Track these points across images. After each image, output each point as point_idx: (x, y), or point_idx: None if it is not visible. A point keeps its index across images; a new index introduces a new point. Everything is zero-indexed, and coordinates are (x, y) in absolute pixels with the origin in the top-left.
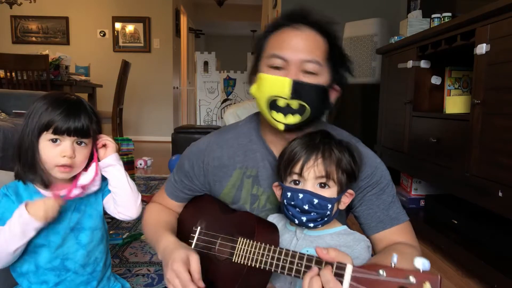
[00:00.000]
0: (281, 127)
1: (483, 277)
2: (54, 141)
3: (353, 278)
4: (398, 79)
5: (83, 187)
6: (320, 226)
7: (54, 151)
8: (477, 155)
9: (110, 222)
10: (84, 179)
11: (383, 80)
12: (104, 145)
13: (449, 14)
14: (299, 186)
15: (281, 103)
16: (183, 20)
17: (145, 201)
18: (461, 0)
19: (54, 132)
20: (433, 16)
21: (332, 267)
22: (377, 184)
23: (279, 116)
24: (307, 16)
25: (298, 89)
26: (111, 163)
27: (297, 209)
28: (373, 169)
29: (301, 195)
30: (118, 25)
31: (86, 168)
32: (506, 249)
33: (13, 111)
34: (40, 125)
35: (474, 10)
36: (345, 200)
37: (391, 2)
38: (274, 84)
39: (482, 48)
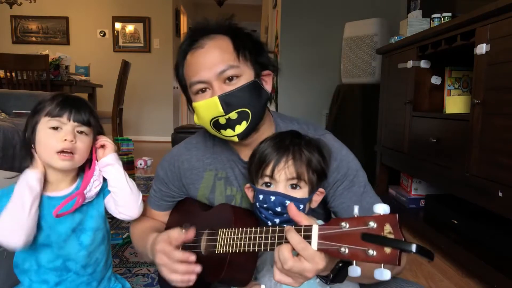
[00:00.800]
0: (236, 139)
1: (483, 277)
2: (55, 128)
3: (320, 236)
4: (398, 79)
5: (82, 194)
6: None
7: (54, 137)
8: (477, 155)
9: (110, 222)
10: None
11: (383, 80)
12: (103, 146)
13: (449, 14)
14: (271, 188)
15: (222, 120)
16: (183, 20)
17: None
18: (461, 0)
19: (54, 116)
20: (433, 16)
21: (300, 232)
22: (345, 176)
23: (228, 132)
24: (202, 27)
25: (229, 100)
26: (109, 163)
27: (270, 212)
28: (338, 162)
29: (273, 198)
30: (118, 25)
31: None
32: (506, 249)
33: (13, 111)
34: (39, 112)
35: (474, 10)
36: (316, 199)
37: (391, 2)
38: (206, 108)
39: (482, 48)
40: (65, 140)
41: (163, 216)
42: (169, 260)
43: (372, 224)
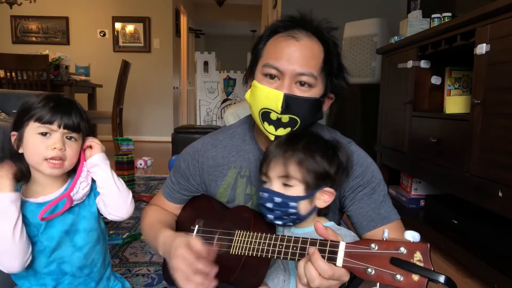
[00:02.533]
0: (272, 137)
1: (483, 277)
2: (44, 134)
3: (346, 254)
4: (398, 79)
5: (69, 197)
6: (291, 223)
7: (43, 144)
8: (477, 155)
9: (110, 222)
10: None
11: (383, 80)
12: (90, 147)
13: (449, 14)
14: (267, 186)
15: (273, 116)
16: (183, 20)
17: (145, 201)
18: (461, 0)
19: (44, 122)
20: (433, 16)
21: (326, 246)
22: (368, 183)
23: (270, 128)
24: (307, 22)
25: (290, 103)
26: (95, 163)
27: (264, 208)
28: (364, 169)
29: (266, 194)
30: (118, 25)
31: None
32: (506, 249)
33: (13, 111)
34: (29, 116)
35: (474, 10)
36: (325, 198)
37: (391, 2)
38: (267, 96)
39: (482, 48)
40: (54, 148)
41: (176, 208)
42: (187, 269)
43: (403, 249)
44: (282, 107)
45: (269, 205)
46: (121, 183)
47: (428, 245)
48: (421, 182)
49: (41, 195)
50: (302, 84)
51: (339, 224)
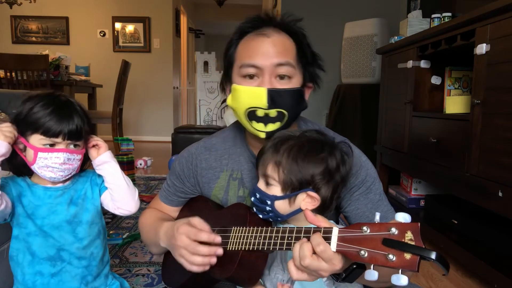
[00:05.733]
0: (263, 135)
1: (483, 277)
2: (50, 145)
3: (340, 239)
4: (398, 79)
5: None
6: (271, 220)
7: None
8: (477, 155)
9: (110, 222)
10: None
11: (383, 80)
12: (95, 145)
13: (449, 14)
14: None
15: (260, 113)
16: (183, 20)
17: (145, 201)
18: (461, 0)
19: (50, 136)
20: (433, 16)
21: (320, 232)
22: (362, 183)
23: (259, 126)
24: (272, 19)
25: (275, 97)
26: (105, 160)
27: (251, 201)
28: (358, 168)
29: (253, 189)
30: (118, 25)
31: None
32: (506, 249)
33: (13, 111)
34: (31, 127)
35: (474, 10)
36: (308, 201)
37: (391, 2)
38: (250, 96)
39: (482, 48)
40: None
41: (173, 211)
42: (192, 243)
43: (394, 230)
44: (268, 102)
45: (253, 198)
46: (128, 179)
47: (418, 224)
48: (421, 182)
49: (46, 183)
50: (282, 77)
51: (337, 222)
